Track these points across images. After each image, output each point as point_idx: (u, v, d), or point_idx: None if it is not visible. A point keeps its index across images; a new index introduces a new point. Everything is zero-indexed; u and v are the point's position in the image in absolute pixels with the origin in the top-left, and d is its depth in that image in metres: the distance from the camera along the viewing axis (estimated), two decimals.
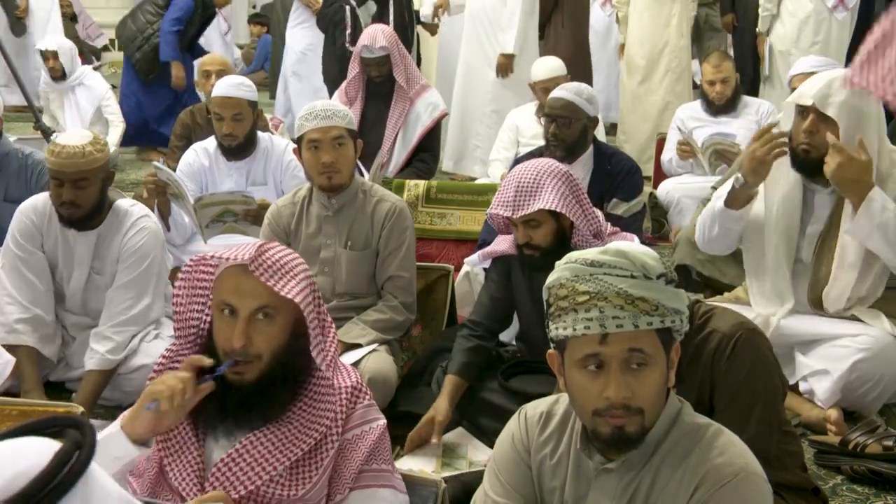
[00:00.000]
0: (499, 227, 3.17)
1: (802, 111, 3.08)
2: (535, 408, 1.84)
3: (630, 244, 1.69)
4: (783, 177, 3.18)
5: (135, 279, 3.28)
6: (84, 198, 3.20)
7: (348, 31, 5.97)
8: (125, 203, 3.37)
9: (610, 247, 1.65)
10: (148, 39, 7.01)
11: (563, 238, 2.92)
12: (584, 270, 1.61)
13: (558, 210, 2.84)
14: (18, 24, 8.92)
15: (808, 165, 3.10)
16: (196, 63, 6.64)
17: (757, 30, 6.75)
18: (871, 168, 2.99)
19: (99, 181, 3.21)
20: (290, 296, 1.79)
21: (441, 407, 2.92)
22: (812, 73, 4.09)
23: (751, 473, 1.61)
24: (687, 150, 5.12)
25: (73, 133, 3.26)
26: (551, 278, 1.67)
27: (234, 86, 4.16)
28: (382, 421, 1.95)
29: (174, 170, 4.20)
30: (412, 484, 2.02)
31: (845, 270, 3.11)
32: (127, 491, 1.01)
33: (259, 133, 4.31)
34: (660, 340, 1.61)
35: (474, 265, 3.62)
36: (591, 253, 1.64)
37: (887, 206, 2.98)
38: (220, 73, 5.15)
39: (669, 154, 5.37)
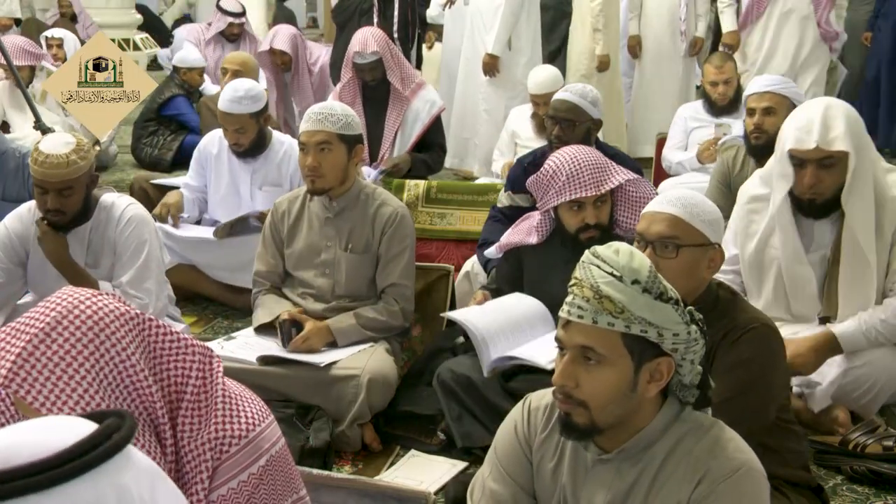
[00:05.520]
0: (540, 229, 3.17)
1: (799, 162, 2.88)
2: (539, 399, 1.83)
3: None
4: (777, 223, 3.03)
5: (139, 269, 3.27)
6: (69, 205, 3.17)
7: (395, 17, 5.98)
8: (110, 196, 3.36)
9: (626, 245, 1.65)
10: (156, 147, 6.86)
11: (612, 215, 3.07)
12: (588, 257, 1.64)
13: (636, 178, 3.03)
14: None
15: (817, 211, 2.98)
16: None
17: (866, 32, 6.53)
18: (824, 344, 2.93)
19: (83, 188, 3.18)
20: None
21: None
22: (766, 93, 3.90)
23: (752, 469, 1.63)
24: (714, 150, 4.94)
25: (56, 139, 3.18)
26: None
27: (235, 101, 4.15)
28: (262, 461, 1.60)
29: None
30: (401, 496, 1.99)
31: (855, 297, 3.01)
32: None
33: (276, 134, 4.34)
34: (624, 345, 1.59)
35: (493, 256, 3.58)
36: (614, 244, 1.66)
37: (859, 337, 2.96)
38: (237, 74, 5.25)
39: (679, 156, 5.27)
